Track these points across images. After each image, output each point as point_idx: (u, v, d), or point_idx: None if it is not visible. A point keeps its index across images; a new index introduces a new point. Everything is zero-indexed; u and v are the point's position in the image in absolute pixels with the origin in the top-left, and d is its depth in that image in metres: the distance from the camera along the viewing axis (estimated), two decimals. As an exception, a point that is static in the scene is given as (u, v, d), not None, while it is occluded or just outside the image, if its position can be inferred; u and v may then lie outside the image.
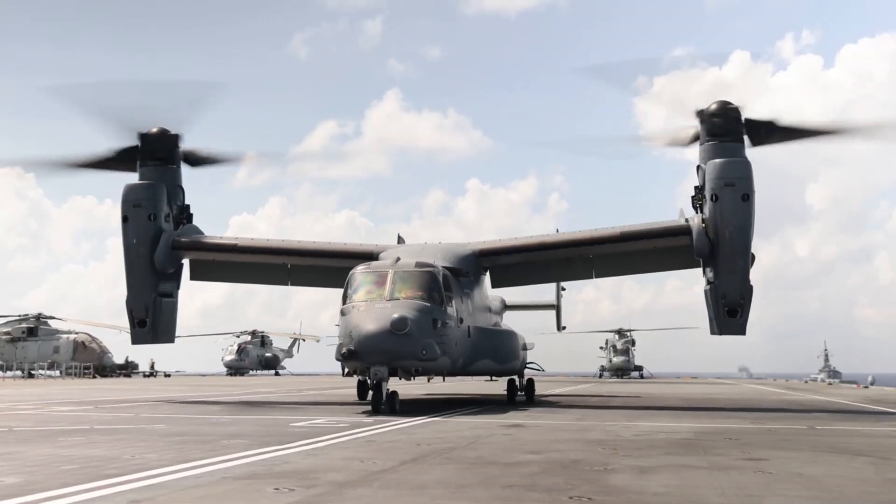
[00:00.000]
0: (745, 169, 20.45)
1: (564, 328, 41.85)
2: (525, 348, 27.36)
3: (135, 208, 23.15)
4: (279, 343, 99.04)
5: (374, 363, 17.24)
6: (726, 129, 20.68)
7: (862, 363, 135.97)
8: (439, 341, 18.47)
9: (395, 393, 18.33)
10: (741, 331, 20.76)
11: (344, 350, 17.31)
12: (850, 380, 69.47)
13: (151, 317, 23.48)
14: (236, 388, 36.56)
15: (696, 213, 21.44)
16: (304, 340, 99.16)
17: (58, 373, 66.85)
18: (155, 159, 23.45)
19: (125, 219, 23.20)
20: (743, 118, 20.80)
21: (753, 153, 20.96)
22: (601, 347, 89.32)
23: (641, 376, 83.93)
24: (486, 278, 25.05)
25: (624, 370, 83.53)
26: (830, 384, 60.99)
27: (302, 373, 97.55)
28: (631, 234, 22.56)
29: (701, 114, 21.03)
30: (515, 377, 27.45)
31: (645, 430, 13.62)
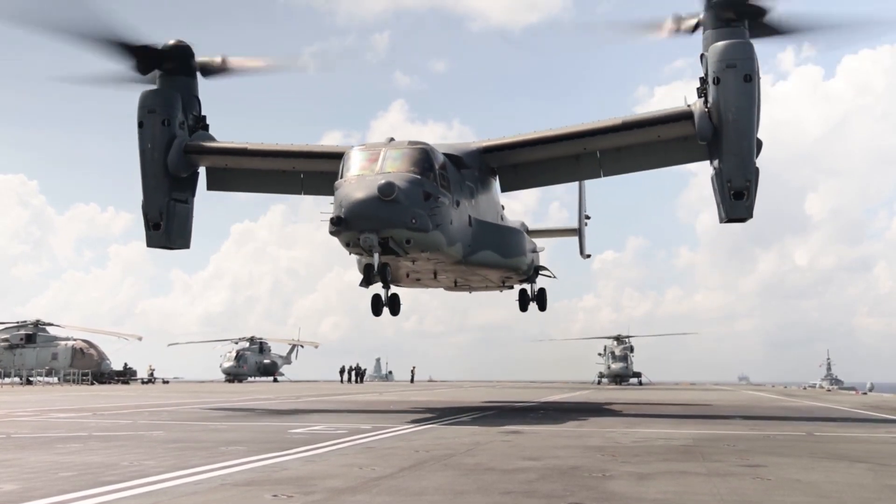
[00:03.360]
0: (747, 50, 20.20)
1: (589, 256, 40.99)
2: (535, 251, 27.24)
3: (150, 114, 23.55)
4: (278, 350, 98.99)
5: (363, 230, 17.45)
6: (729, 13, 20.46)
7: (862, 372, 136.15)
8: (431, 214, 18.59)
9: (386, 264, 18.69)
10: (748, 213, 20.55)
11: (333, 217, 17.52)
12: (849, 387, 69.48)
13: (165, 220, 23.73)
14: (234, 395, 36.52)
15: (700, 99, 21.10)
16: (302, 347, 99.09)
17: (56, 379, 66.75)
18: (171, 69, 23.81)
19: (140, 124, 23.58)
20: (746, 2, 20.42)
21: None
22: (599, 354, 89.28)
23: (640, 383, 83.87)
24: (496, 184, 24.74)
25: (622, 377, 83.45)
26: (829, 391, 61.00)
27: (300, 379, 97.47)
28: (633, 122, 22.32)
29: (705, 1, 20.72)
30: (527, 286, 27.63)
31: (644, 437, 13.61)
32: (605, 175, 24.03)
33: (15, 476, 8.33)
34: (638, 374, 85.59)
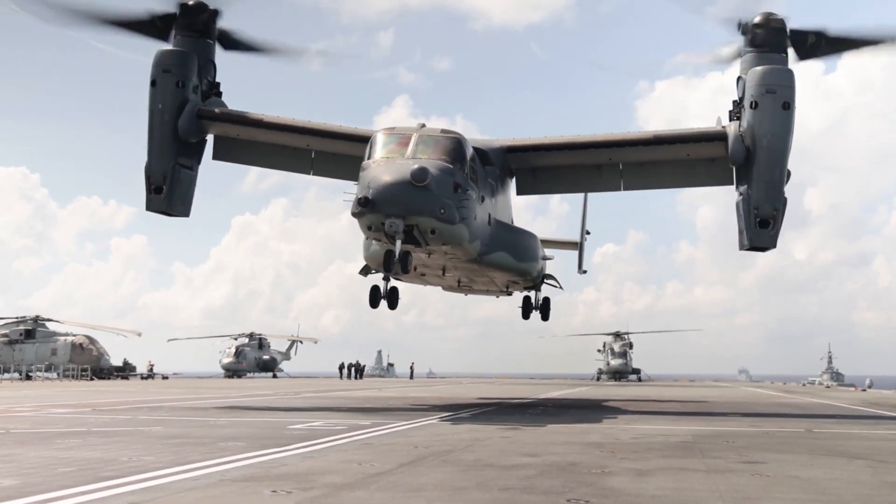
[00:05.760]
0: (788, 77, 19.89)
1: (585, 272, 40.69)
2: (545, 258, 26.80)
3: (164, 73, 22.84)
4: (277, 345, 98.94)
5: (389, 214, 16.71)
6: (769, 40, 20.12)
7: (861, 365, 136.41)
8: (459, 206, 17.97)
9: (408, 252, 17.99)
10: (772, 243, 20.26)
11: (360, 197, 16.79)
12: (849, 383, 69.59)
13: (168, 184, 23.05)
14: (234, 391, 36.52)
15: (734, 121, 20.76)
16: (301, 343, 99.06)
17: (55, 375, 66.74)
18: (190, 30, 23.10)
19: (153, 83, 22.89)
20: (788, 29, 20.17)
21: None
22: (599, 350, 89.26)
23: (639, 379, 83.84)
24: (512, 186, 24.21)
25: (622, 373, 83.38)
26: (828, 387, 61.08)
27: (300, 374, 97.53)
28: (665, 138, 21.89)
29: (744, 26, 20.39)
30: (532, 294, 27.19)
31: (643, 433, 13.62)
32: (626, 189, 23.53)
33: (14, 471, 8.33)
34: (637, 371, 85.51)
